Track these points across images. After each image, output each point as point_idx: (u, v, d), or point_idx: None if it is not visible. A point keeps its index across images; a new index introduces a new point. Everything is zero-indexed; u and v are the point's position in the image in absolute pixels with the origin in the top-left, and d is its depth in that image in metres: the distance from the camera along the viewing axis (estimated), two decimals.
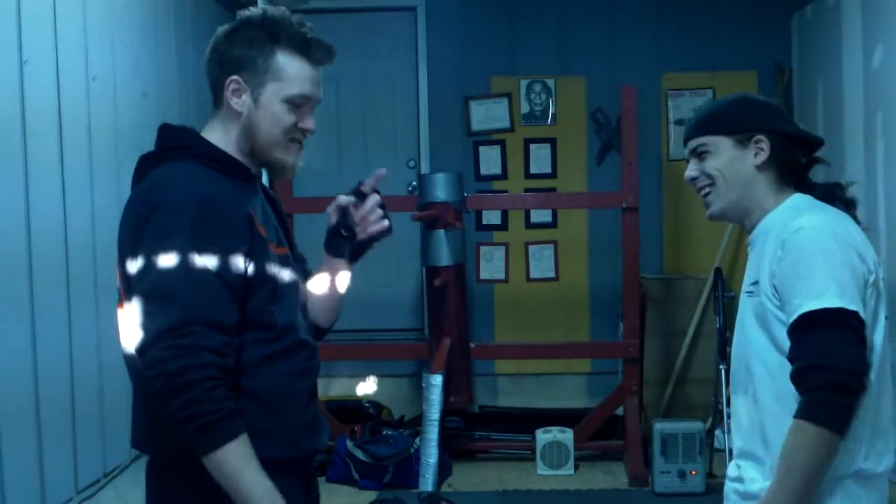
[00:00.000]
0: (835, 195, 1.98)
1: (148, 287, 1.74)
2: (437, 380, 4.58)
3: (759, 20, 6.00)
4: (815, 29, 5.55)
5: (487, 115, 6.15)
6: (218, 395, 1.70)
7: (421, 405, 4.67)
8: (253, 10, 1.91)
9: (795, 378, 1.76)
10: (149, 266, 1.75)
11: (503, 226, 6.18)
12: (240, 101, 1.88)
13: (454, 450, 5.22)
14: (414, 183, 5.89)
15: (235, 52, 1.88)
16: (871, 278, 1.84)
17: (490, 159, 6.17)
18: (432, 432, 4.47)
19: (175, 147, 1.89)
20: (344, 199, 2.07)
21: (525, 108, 6.15)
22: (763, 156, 1.95)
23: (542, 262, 6.15)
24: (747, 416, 1.94)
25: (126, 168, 1.89)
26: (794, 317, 1.78)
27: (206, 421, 1.69)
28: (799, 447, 1.75)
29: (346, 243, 2.08)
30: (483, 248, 6.16)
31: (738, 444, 1.99)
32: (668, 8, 6.08)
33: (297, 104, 1.90)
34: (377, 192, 2.11)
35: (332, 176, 6.16)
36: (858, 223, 1.94)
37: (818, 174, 2.06)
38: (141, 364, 1.74)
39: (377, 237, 2.12)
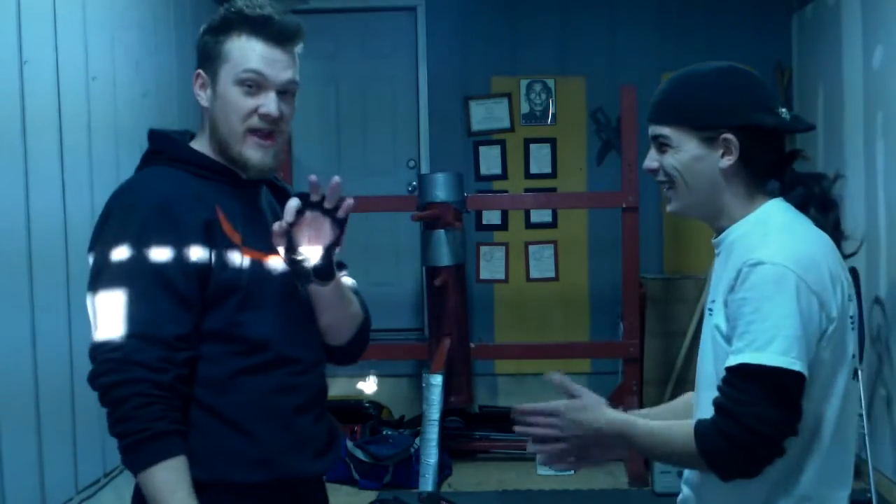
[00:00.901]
0: (813, 196, 1.74)
1: (91, 298, 1.70)
2: (437, 380, 4.58)
3: (759, 20, 6.00)
4: (815, 29, 5.55)
5: (487, 115, 6.15)
6: (148, 414, 1.61)
7: (421, 405, 4.68)
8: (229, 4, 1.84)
9: (715, 406, 1.63)
10: (95, 275, 1.70)
11: (503, 226, 6.18)
12: (205, 95, 1.81)
13: (454, 450, 5.22)
14: (414, 183, 5.89)
15: (199, 46, 1.83)
16: (831, 328, 1.63)
17: (490, 159, 6.17)
18: (432, 432, 4.47)
19: (154, 151, 1.84)
20: (277, 226, 1.73)
21: (525, 108, 6.14)
22: (731, 158, 1.70)
23: (542, 262, 6.15)
24: None
25: (126, 168, 1.89)
26: (733, 363, 1.61)
27: (132, 440, 1.62)
28: (679, 447, 1.66)
29: (305, 270, 1.76)
30: (483, 248, 6.16)
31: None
32: (668, 8, 6.08)
33: (251, 84, 1.75)
34: (303, 196, 1.74)
35: (332, 176, 6.14)
36: (840, 231, 1.74)
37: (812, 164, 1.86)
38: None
39: (331, 246, 1.75)
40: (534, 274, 6.16)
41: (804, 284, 1.60)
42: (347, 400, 5.77)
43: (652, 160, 1.77)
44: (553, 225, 6.15)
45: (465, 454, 5.30)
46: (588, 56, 6.09)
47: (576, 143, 6.14)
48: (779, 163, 1.76)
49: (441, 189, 4.90)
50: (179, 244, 1.69)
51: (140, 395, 1.61)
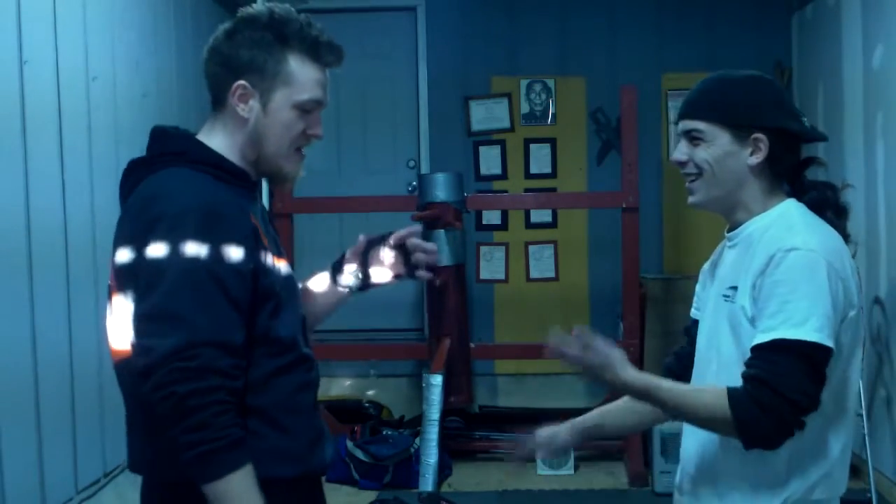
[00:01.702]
0: (827, 201, 1.85)
1: (150, 307, 1.65)
2: (437, 380, 4.57)
3: (759, 20, 6.01)
4: (815, 29, 5.55)
5: (487, 115, 6.15)
6: (224, 422, 1.63)
7: (421, 405, 4.67)
8: (256, 8, 1.80)
9: (747, 378, 1.68)
10: (151, 284, 1.65)
11: (503, 226, 6.18)
12: (246, 108, 1.78)
13: (454, 450, 5.22)
14: (414, 183, 5.89)
15: (243, 55, 1.76)
16: (852, 313, 1.74)
17: (490, 159, 6.17)
18: (432, 432, 4.47)
19: (171, 152, 1.78)
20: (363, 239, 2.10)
21: (525, 108, 6.15)
22: (759, 156, 1.81)
23: (542, 262, 6.15)
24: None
25: None
26: (766, 339, 1.68)
27: (210, 448, 1.61)
28: (702, 403, 1.72)
29: (356, 283, 2.08)
30: (483, 248, 6.16)
31: (690, 450, 1.89)
32: (668, 8, 6.08)
33: (306, 110, 1.81)
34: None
35: (333, 176, 6.16)
36: (848, 235, 1.83)
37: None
38: (146, 388, 1.64)
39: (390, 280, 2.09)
40: (534, 274, 6.16)
41: (834, 270, 1.72)
42: (347, 400, 5.77)
43: (682, 153, 1.87)
44: (553, 225, 6.15)
45: (465, 454, 5.30)
46: (588, 56, 6.09)
47: (576, 143, 6.14)
48: (796, 167, 1.88)
49: (441, 189, 4.89)
50: (235, 250, 1.68)
51: (219, 403, 1.62)
